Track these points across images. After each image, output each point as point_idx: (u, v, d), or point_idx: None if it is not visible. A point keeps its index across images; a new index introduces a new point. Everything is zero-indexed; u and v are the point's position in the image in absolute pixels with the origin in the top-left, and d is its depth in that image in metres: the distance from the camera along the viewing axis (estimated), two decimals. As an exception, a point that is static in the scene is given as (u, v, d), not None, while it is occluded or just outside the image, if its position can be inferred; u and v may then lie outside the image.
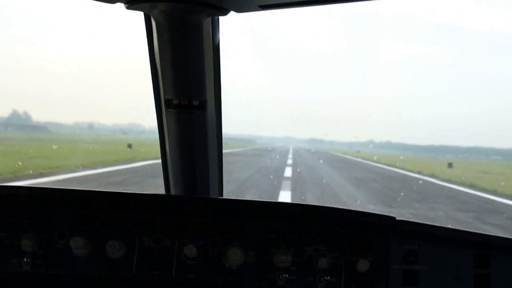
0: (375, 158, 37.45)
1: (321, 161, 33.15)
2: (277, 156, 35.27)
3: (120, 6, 1.61)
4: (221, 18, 1.81)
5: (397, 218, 1.95)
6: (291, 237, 1.95)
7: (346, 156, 43.27)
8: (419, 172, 25.23)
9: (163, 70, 1.79)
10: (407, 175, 24.20)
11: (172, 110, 1.88)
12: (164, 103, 1.89)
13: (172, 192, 2.17)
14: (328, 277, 1.92)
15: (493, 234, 2.00)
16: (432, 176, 23.45)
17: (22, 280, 1.95)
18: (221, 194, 2.30)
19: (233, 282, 1.92)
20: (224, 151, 2.21)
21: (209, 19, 1.71)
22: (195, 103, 1.85)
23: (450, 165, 31.28)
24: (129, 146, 30.63)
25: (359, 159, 38.32)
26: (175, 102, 1.85)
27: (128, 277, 1.92)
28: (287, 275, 1.92)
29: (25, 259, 1.91)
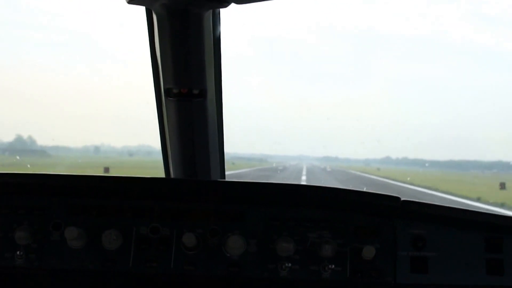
0: (408, 178, 31.23)
1: (342, 184, 26.73)
2: (287, 177, 29.20)
3: (121, 1, 1.61)
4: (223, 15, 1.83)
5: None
6: (294, 223, 1.88)
7: (367, 175, 37.04)
8: (478, 199, 18.84)
9: (164, 60, 1.78)
10: (472, 206, 17.65)
11: (172, 98, 1.87)
12: (164, 92, 1.88)
13: (173, 176, 2.12)
14: (333, 266, 1.84)
15: (504, 214, 1.91)
16: (502, 206, 17.02)
17: (15, 275, 1.90)
18: (223, 177, 2.24)
19: (234, 273, 1.84)
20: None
21: (210, 11, 1.70)
22: (195, 91, 1.84)
23: (503, 185, 24.78)
24: (106, 170, 25.50)
25: (387, 180, 31.78)
26: (175, 91, 1.84)
27: (125, 269, 1.85)
28: (290, 265, 1.84)
29: (18, 253, 1.85)
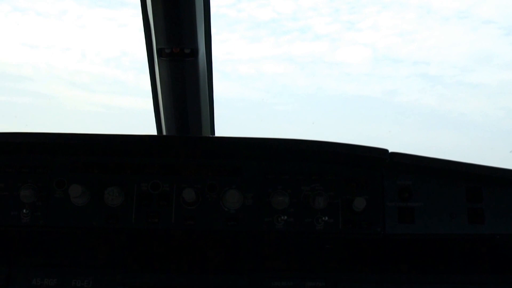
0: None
1: None
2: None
3: None
4: None
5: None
6: (288, 177, 1.96)
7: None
8: None
9: (156, 20, 1.82)
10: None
11: (164, 58, 1.91)
12: (157, 53, 1.92)
13: (165, 133, 2.19)
14: (326, 218, 1.92)
15: (485, 165, 1.99)
16: None
17: (22, 233, 1.96)
18: (213, 133, 2.33)
19: (232, 226, 1.92)
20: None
21: None
22: (187, 51, 1.88)
23: None
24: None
25: None
26: (167, 51, 1.88)
27: (127, 226, 1.91)
28: (285, 217, 1.92)
29: (24, 211, 1.90)
